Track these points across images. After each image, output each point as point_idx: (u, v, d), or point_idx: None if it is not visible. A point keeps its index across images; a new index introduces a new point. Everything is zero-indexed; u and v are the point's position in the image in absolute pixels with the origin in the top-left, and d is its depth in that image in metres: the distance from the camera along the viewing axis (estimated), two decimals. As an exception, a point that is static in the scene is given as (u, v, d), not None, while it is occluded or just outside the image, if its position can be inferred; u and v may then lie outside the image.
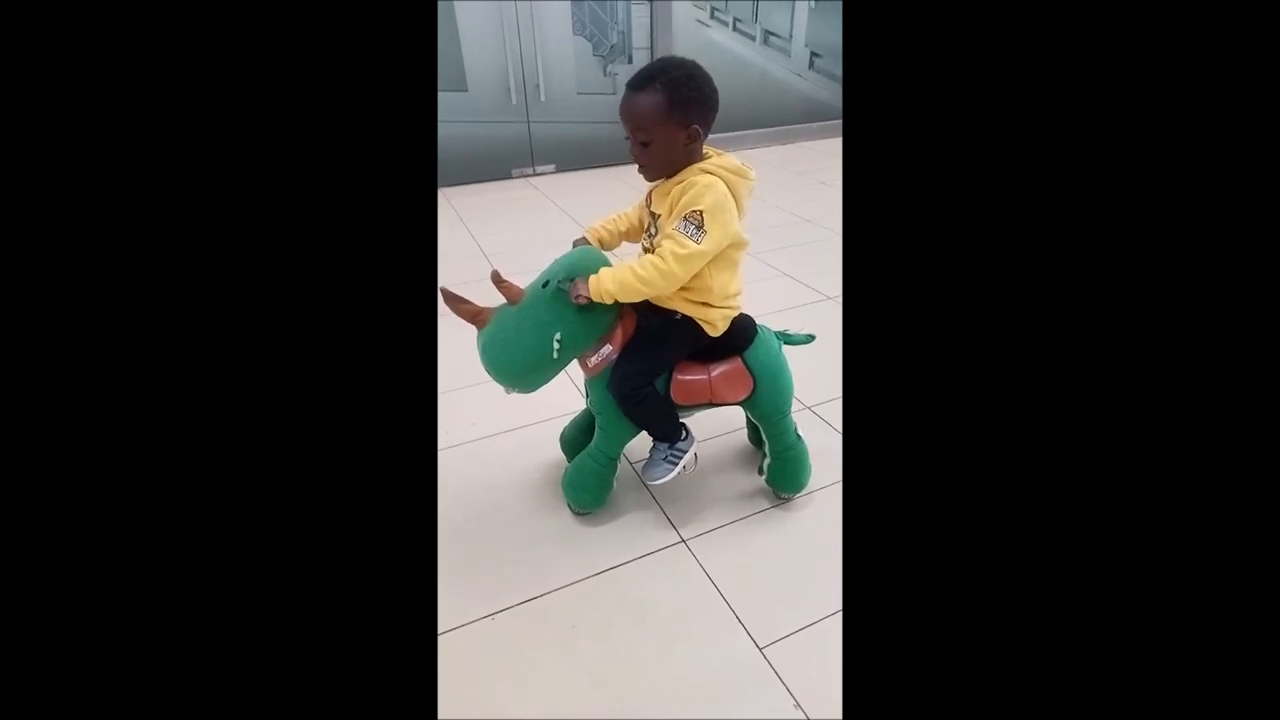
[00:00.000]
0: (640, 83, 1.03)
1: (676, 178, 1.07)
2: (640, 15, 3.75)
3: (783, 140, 4.29)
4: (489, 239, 2.83)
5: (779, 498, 1.33)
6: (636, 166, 1.09)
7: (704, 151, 1.09)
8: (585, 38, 3.69)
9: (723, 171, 1.05)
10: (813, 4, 4.05)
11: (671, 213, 1.06)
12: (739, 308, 1.18)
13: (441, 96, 3.47)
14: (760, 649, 1.04)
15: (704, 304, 1.13)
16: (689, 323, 1.14)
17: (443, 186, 3.61)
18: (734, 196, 1.06)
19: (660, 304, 1.14)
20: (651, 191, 1.13)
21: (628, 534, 1.27)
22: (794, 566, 1.19)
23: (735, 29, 4.00)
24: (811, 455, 1.30)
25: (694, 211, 1.02)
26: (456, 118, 3.55)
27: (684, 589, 1.15)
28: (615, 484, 1.30)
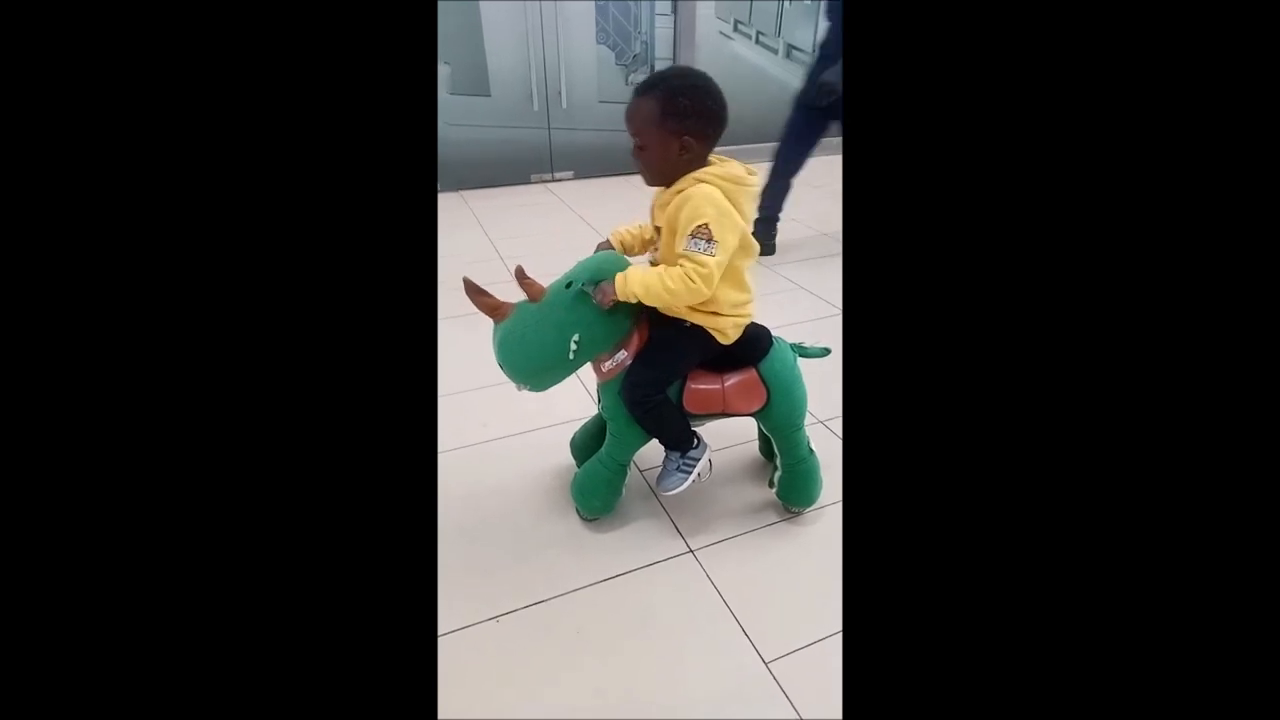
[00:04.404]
0: (643, 87, 1.05)
1: (674, 187, 1.06)
2: (664, 26, 3.77)
3: (802, 154, 4.29)
4: (506, 243, 2.85)
5: (789, 511, 1.32)
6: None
7: (708, 161, 1.08)
8: (608, 47, 3.72)
9: (718, 180, 1.04)
10: (836, 19, 4.06)
11: (673, 230, 1.06)
12: (750, 315, 1.17)
13: (464, 100, 3.51)
14: (766, 664, 1.02)
15: (713, 313, 1.13)
16: (699, 331, 1.14)
17: (462, 189, 3.64)
18: (733, 203, 1.05)
19: (670, 312, 1.14)
20: (654, 204, 1.13)
21: (636, 542, 1.26)
22: (803, 581, 1.17)
23: (758, 42, 4.01)
24: (823, 469, 1.29)
25: (700, 226, 1.01)
26: (478, 122, 3.58)
27: (691, 600, 1.14)
28: (625, 491, 1.29)
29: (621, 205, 3.41)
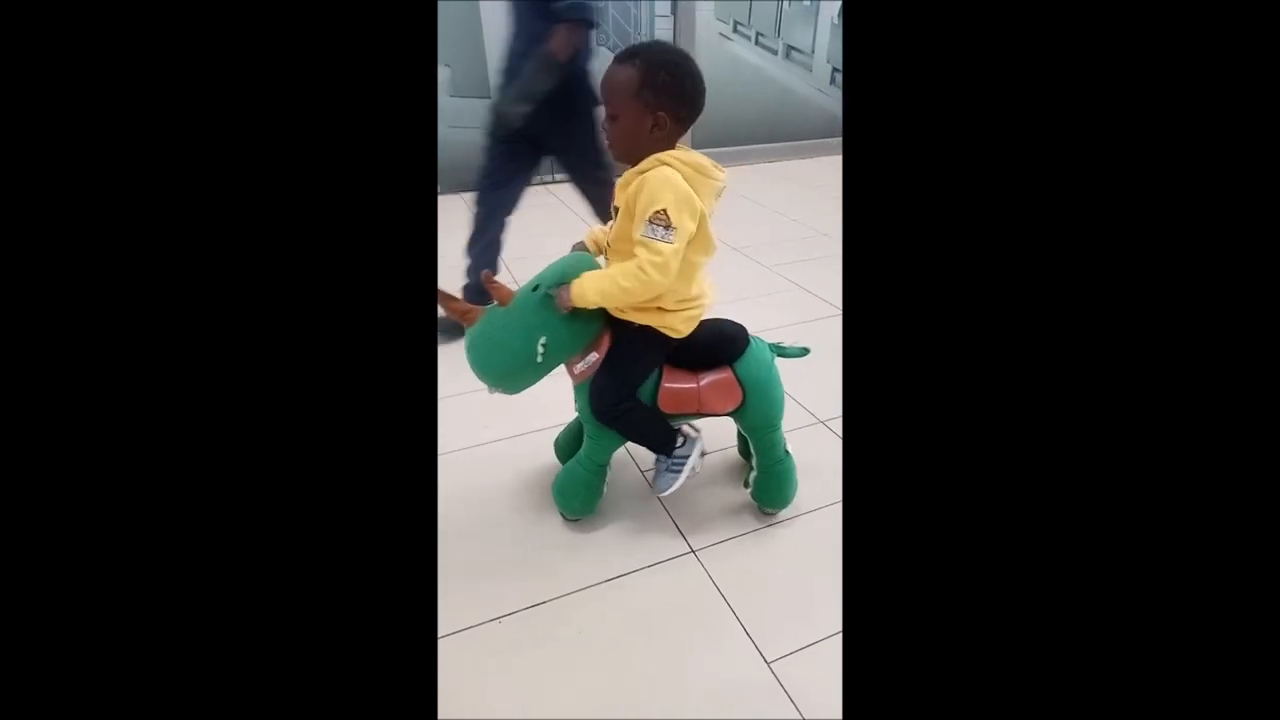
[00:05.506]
0: (623, 56, 1.02)
1: (637, 168, 1.04)
2: (663, 28, 3.77)
3: (802, 154, 4.29)
4: (506, 245, 2.85)
5: (764, 513, 1.31)
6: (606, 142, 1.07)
7: (676, 146, 1.06)
8: (608, 48, 3.72)
9: (680, 164, 1.01)
10: (835, 20, 4.06)
11: (630, 212, 1.03)
12: (704, 309, 1.15)
13: (464, 102, 3.51)
14: (768, 664, 1.02)
15: (658, 309, 1.11)
16: (649, 331, 1.12)
17: (462, 192, 3.64)
18: (694, 191, 1.02)
19: (617, 315, 1.13)
20: (616, 184, 1.10)
21: (637, 542, 1.26)
22: (805, 581, 1.18)
23: (757, 43, 4.01)
24: (824, 470, 1.29)
25: (658, 212, 0.99)
26: (478, 123, 3.58)
27: (692, 600, 1.14)
28: (626, 492, 1.29)
29: (622, 206, 3.42)
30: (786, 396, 1.25)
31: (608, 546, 1.25)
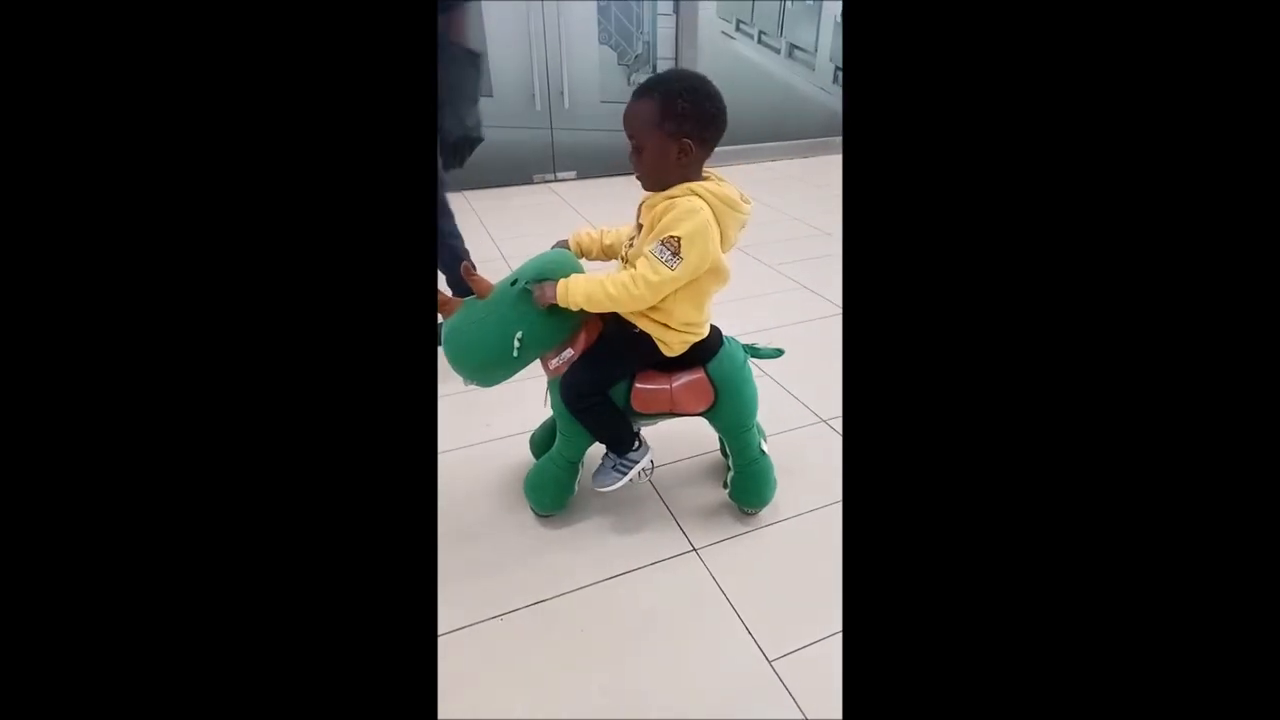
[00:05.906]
0: (641, 90, 1.05)
1: (666, 193, 1.06)
2: (666, 26, 3.77)
3: (804, 153, 4.29)
4: (509, 243, 2.85)
5: (744, 512, 1.32)
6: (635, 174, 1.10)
7: (704, 174, 1.08)
8: (610, 47, 3.72)
9: (711, 198, 1.04)
10: (838, 19, 4.06)
11: (652, 229, 1.05)
12: (701, 335, 1.17)
13: (466, 101, 3.51)
14: (770, 662, 1.02)
15: (663, 325, 1.13)
16: (646, 339, 1.14)
17: (465, 190, 3.65)
18: (719, 226, 1.05)
19: (623, 315, 1.15)
20: (643, 203, 1.12)
21: (640, 540, 1.26)
22: (807, 579, 1.18)
23: (760, 41, 4.01)
24: (825, 469, 1.29)
25: (671, 237, 1.01)
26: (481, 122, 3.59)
27: (694, 598, 1.14)
28: (628, 491, 1.29)
29: (623, 205, 3.40)
30: (789, 395, 1.25)
31: (610, 544, 1.26)
